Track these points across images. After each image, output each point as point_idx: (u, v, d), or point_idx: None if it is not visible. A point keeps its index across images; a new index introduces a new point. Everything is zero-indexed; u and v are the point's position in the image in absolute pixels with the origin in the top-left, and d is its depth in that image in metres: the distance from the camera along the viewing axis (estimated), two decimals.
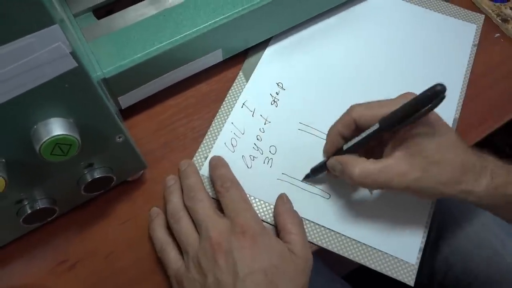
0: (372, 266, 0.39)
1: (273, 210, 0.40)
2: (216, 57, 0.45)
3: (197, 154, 0.43)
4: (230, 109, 0.46)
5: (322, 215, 0.40)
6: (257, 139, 0.44)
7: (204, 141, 0.44)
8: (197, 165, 0.42)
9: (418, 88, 0.38)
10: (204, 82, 0.48)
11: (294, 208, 0.40)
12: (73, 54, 0.25)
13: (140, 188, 0.42)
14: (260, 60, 0.49)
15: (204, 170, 0.42)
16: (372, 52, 0.49)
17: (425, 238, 0.40)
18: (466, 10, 0.52)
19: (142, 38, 0.40)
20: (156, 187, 0.42)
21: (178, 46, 0.40)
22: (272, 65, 0.48)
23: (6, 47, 0.23)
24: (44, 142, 0.27)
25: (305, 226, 0.39)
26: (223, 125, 0.45)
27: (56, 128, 0.28)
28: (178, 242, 0.36)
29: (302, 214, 0.40)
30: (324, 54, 0.49)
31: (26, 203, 0.34)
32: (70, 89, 0.27)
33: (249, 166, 0.43)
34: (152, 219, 0.39)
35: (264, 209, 0.40)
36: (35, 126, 0.28)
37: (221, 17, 0.41)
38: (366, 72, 0.48)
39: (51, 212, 0.35)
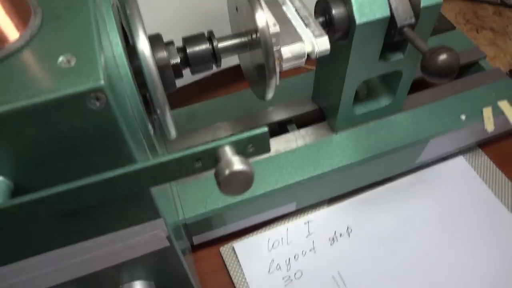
0: None
1: None
2: (289, 207, 0.46)
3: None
4: (294, 219, 0.48)
5: None
6: (294, 257, 0.45)
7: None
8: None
9: None
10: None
11: None
12: (168, 238, 0.28)
13: None
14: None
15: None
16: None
17: None
18: None
19: None
20: None
21: (256, 197, 0.42)
22: (351, 210, 0.48)
23: (115, 233, 0.26)
24: None
25: None
26: (279, 226, 0.47)
27: None
28: None
29: None
30: (410, 218, 0.47)
31: None
32: (158, 261, 0.29)
33: (269, 271, 0.44)
34: None
35: None
36: (120, 286, 0.30)
37: (301, 179, 0.43)
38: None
39: None
